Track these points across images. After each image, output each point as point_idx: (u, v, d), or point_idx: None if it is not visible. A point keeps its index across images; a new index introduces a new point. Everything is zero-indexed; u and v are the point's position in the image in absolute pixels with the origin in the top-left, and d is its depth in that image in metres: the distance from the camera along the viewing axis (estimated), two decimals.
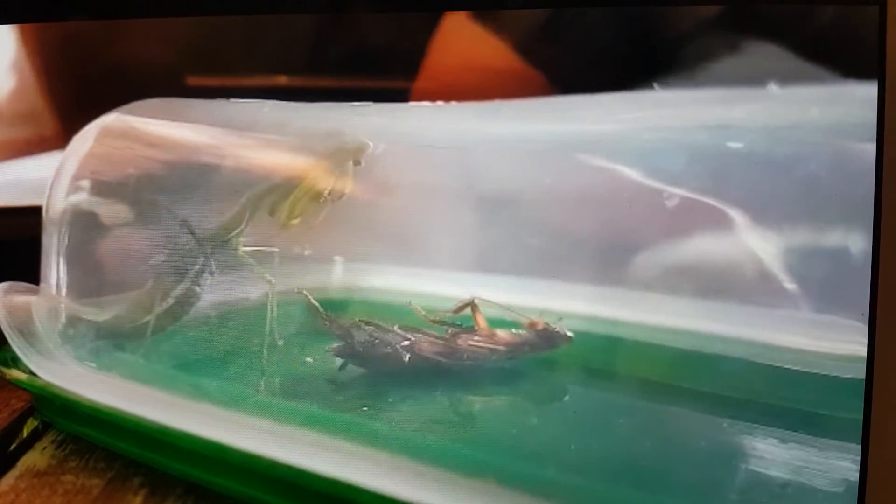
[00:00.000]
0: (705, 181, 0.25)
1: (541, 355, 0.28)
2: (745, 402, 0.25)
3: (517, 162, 0.28)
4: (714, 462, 0.23)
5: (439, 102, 0.28)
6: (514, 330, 0.28)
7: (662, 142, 0.26)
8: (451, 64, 0.30)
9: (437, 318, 0.28)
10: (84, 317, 0.29)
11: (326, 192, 0.28)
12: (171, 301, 0.29)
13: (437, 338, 0.28)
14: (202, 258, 0.29)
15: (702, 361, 0.27)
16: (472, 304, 0.28)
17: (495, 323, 0.28)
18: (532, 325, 0.28)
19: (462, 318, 0.28)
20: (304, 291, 0.28)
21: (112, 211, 0.30)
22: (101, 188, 0.30)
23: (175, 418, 0.25)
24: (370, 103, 0.28)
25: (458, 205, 0.29)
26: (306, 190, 0.28)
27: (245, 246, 0.29)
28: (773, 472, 0.22)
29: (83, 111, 0.31)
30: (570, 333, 0.28)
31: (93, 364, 0.28)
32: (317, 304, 0.28)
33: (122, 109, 0.31)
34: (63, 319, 0.29)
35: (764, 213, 0.25)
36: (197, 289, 0.29)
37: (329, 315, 0.28)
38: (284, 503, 0.23)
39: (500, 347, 0.28)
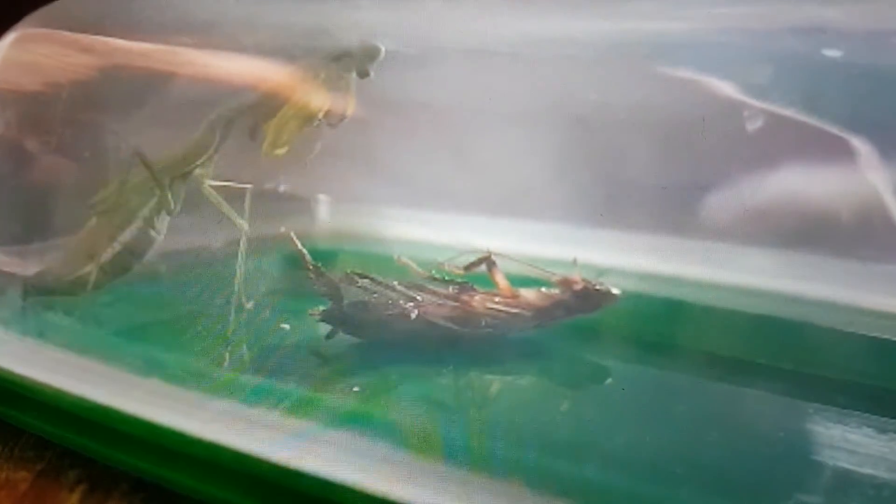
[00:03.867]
0: (794, 98, 0.23)
1: (578, 321, 0.25)
2: (835, 383, 0.23)
3: (554, 70, 0.25)
4: (795, 457, 0.20)
5: None
6: (543, 289, 0.25)
7: (741, 47, 0.24)
8: None
9: (439, 276, 0.25)
10: (7, 269, 0.27)
11: (321, 113, 0.25)
12: (117, 247, 0.26)
13: (448, 297, 0.25)
14: (157, 192, 0.26)
15: (784, 331, 0.25)
16: (488, 260, 0.25)
17: (518, 282, 0.25)
18: (567, 283, 0.25)
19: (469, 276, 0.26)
20: (291, 234, 0.25)
21: (41, 135, 0.28)
22: (27, 106, 0.28)
23: (119, 398, 0.23)
24: None
25: (477, 127, 0.27)
26: (296, 110, 0.25)
27: (213, 179, 0.26)
28: (867, 470, 0.19)
29: None
30: (615, 291, 0.25)
31: (18, 329, 0.26)
32: (304, 250, 0.25)
33: (51, 6, 0.28)
34: None
35: (866, 141, 0.22)
36: (152, 232, 0.26)
37: (317, 266, 0.25)
38: None
39: (526, 312, 0.25)
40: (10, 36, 0.28)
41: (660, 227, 0.26)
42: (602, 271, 0.25)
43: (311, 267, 0.25)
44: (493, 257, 0.25)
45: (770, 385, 0.24)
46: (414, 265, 0.25)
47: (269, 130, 0.25)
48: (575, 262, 0.25)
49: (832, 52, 0.23)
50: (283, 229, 0.26)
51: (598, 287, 0.25)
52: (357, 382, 0.24)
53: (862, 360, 0.24)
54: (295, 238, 0.25)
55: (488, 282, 0.26)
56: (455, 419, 0.23)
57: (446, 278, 0.25)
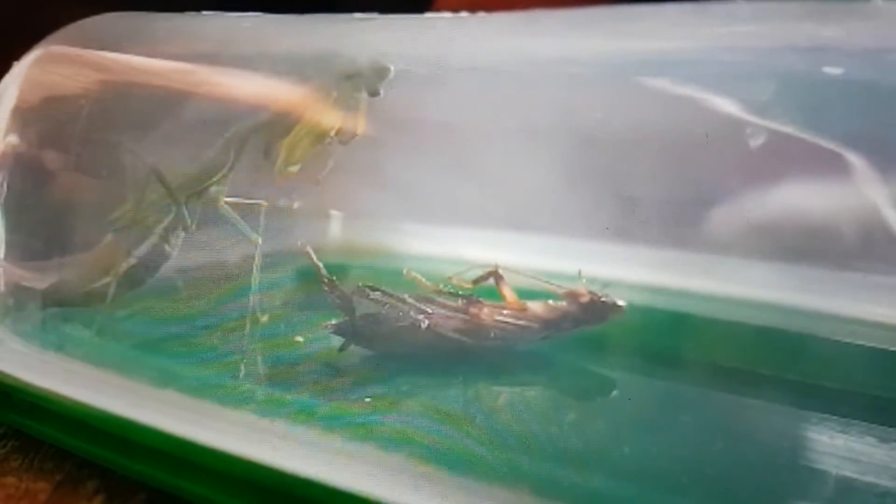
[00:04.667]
0: (796, 115, 0.23)
1: (585, 333, 0.25)
2: (839, 393, 0.23)
3: (561, 88, 0.25)
4: (800, 467, 0.20)
5: (463, 13, 0.24)
6: (550, 301, 0.25)
7: (743, 65, 0.24)
8: None
9: (448, 289, 0.25)
10: (27, 284, 0.27)
11: (334, 131, 0.25)
12: (133, 261, 0.26)
13: (457, 310, 0.25)
14: (174, 210, 0.26)
15: (788, 342, 0.25)
16: (495, 274, 0.25)
17: (525, 294, 0.25)
18: (573, 296, 0.25)
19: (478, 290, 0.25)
20: (308, 247, 0.25)
21: (60, 153, 0.28)
22: (47, 125, 0.28)
23: (136, 409, 0.23)
24: (375, 15, 0.25)
25: (483, 144, 0.26)
26: (309, 128, 0.25)
27: (227, 196, 0.26)
28: (870, 479, 0.20)
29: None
30: (621, 303, 0.25)
31: (38, 342, 0.26)
32: (319, 263, 0.25)
33: (70, 28, 0.28)
34: (1, 287, 0.27)
35: (867, 156, 0.22)
36: (166, 247, 0.26)
37: (332, 279, 0.25)
38: None
39: (534, 324, 0.25)
40: (31, 56, 0.28)
41: (664, 240, 0.25)
42: (606, 283, 0.25)
43: (325, 280, 0.25)
44: (501, 271, 0.25)
45: (774, 395, 0.23)
46: (422, 279, 0.25)
47: (283, 148, 0.25)
48: (580, 274, 0.25)
49: (833, 70, 0.23)
50: (299, 243, 0.26)
51: (604, 299, 0.25)
52: (369, 393, 0.24)
53: (864, 371, 0.23)
54: (311, 251, 0.25)
55: (497, 295, 0.26)
56: (465, 428, 0.23)
57: (453, 291, 0.26)
